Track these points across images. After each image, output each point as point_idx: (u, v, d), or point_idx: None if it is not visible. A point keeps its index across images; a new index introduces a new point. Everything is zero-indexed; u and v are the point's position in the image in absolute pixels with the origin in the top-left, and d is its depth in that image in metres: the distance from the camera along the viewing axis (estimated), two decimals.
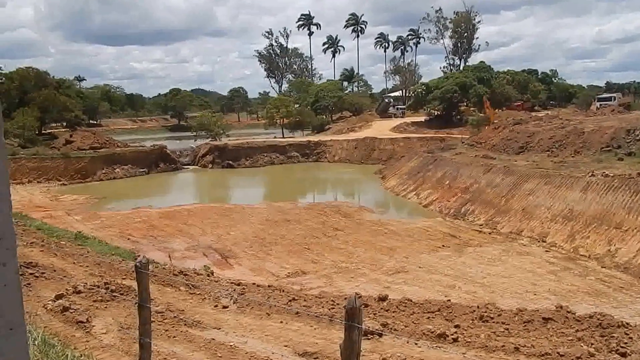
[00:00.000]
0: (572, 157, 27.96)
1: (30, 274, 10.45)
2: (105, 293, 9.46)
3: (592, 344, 7.70)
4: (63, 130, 56.49)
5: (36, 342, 3.82)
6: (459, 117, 62.99)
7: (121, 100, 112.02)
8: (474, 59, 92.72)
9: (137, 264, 3.60)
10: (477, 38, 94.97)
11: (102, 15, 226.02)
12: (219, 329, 7.97)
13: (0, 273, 1.67)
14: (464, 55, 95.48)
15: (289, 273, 17.38)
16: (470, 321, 8.55)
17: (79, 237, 16.17)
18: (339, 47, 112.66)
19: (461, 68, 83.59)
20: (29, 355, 1.77)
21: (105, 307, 8.94)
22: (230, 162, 49.81)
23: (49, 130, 55.43)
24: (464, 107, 64.84)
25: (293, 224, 24.77)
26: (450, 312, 8.98)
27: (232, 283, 11.29)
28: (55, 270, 11.37)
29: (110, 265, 12.21)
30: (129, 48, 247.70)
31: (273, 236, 22.58)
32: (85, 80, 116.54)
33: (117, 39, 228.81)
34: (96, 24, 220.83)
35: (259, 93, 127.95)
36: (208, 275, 12.89)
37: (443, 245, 20.77)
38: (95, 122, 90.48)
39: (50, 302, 8.80)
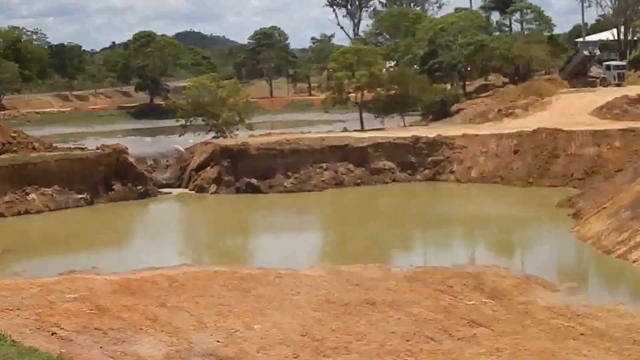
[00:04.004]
0: None
1: None
2: None
3: None
4: None
5: None
6: None
7: (42, 57, 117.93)
8: None
9: None
10: None
11: None
12: None
13: None
14: None
15: None
16: None
17: None
18: None
19: None
20: None
21: None
22: (254, 181, 50.97)
23: None
24: None
25: (382, 310, 24.69)
26: None
27: None
28: None
29: None
30: None
31: (340, 336, 22.60)
32: None
33: None
34: None
35: (312, 40, 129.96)
36: None
37: None
38: None
39: None
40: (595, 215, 37.68)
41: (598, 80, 74.64)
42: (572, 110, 60.57)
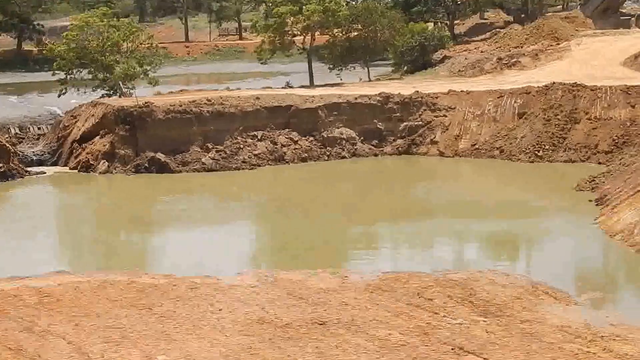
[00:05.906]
0: None
1: None
2: None
3: None
4: None
5: None
6: None
7: None
8: None
9: None
10: None
11: None
12: None
13: None
14: None
15: None
16: None
17: None
18: None
19: None
20: None
21: None
22: (161, 155, 51.04)
23: None
24: None
25: (336, 334, 24.60)
26: None
27: None
28: None
29: None
30: None
31: None
32: None
33: None
34: None
35: None
36: None
37: None
38: None
39: None
40: (627, 201, 38.00)
41: (633, 19, 75.07)
42: (598, 59, 60.99)
